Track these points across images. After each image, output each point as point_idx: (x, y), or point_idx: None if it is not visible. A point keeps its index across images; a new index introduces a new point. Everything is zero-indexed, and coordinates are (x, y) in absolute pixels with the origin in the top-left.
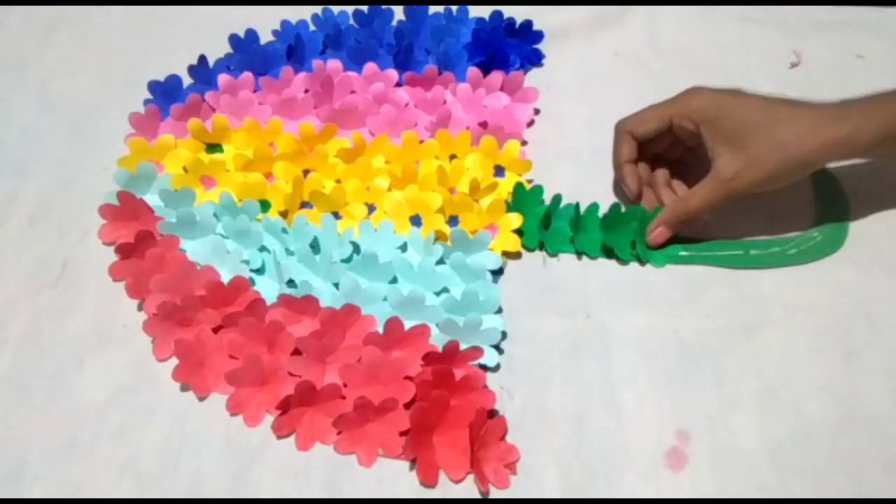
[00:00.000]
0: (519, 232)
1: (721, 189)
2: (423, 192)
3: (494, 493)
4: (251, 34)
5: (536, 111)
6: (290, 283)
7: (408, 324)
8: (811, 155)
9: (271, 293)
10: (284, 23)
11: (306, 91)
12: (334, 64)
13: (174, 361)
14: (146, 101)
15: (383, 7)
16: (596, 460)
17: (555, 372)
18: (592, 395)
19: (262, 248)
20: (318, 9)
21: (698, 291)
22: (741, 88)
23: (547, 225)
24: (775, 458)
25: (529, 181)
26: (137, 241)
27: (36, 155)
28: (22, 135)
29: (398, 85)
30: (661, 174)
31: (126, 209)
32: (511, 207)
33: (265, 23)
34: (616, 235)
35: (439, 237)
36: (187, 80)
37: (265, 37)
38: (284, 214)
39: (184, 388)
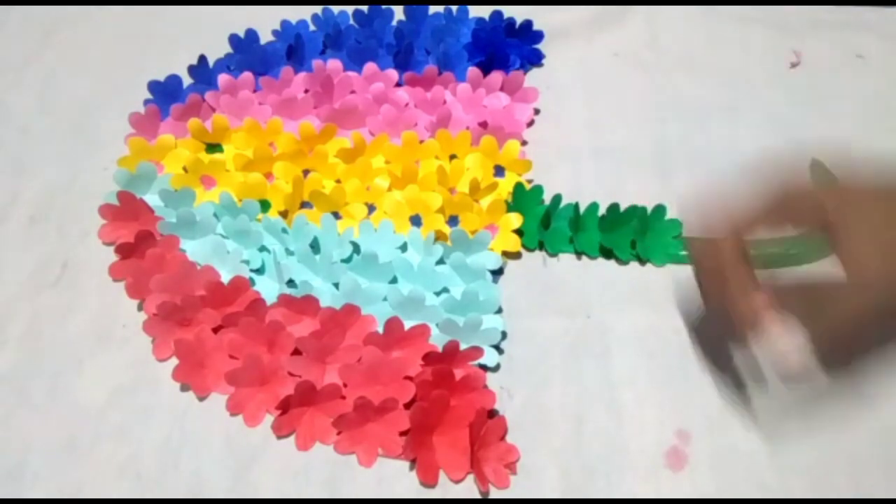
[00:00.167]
0: (519, 232)
1: (866, 297)
2: (423, 192)
3: (494, 493)
4: (251, 34)
5: (536, 111)
6: (290, 283)
7: (408, 324)
8: None
9: (271, 293)
10: (284, 23)
11: (306, 91)
12: (334, 64)
13: (174, 361)
14: (146, 101)
15: (383, 7)
16: (596, 460)
17: (555, 372)
18: (592, 395)
19: (262, 248)
20: (318, 9)
21: (698, 291)
22: (833, 175)
23: (547, 225)
24: (775, 458)
25: (529, 181)
26: (137, 241)
27: (36, 155)
28: (22, 135)
29: (398, 85)
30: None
31: (126, 209)
32: (511, 207)
33: (265, 23)
34: (615, 236)
35: (439, 237)
36: (187, 80)
37: (265, 37)
38: (284, 214)
39: (184, 388)
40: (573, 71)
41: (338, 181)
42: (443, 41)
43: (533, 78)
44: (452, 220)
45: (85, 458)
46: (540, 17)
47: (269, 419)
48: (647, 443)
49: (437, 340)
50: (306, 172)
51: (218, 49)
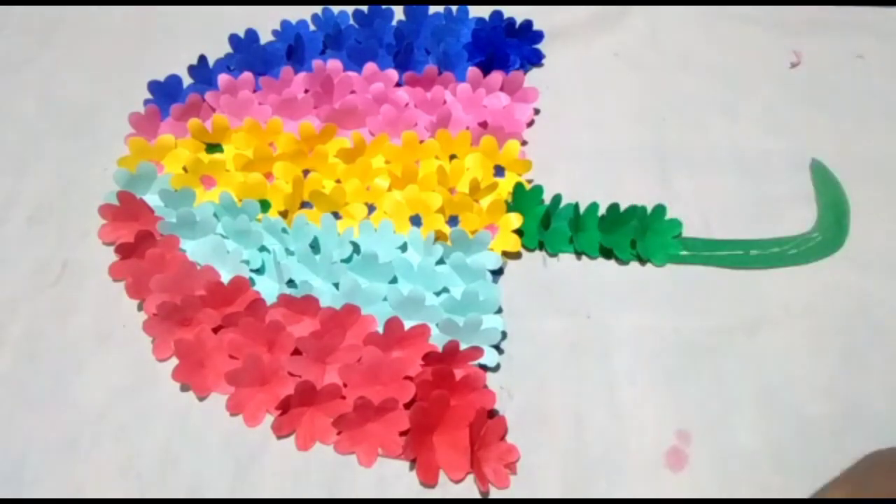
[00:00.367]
0: (519, 232)
1: None
2: (423, 192)
3: (494, 493)
4: (251, 34)
5: (536, 111)
6: (290, 283)
7: (408, 324)
8: None
9: (271, 293)
10: (284, 23)
11: (306, 91)
12: (334, 64)
13: (174, 361)
14: (146, 101)
15: (383, 7)
16: (596, 460)
17: (555, 372)
18: (592, 395)
19: (262, 248)
20: (318, 9)
21: (698, 291)
22: None
23: (547, 225)
24: (775, 458)
25: (529, 181)
26: (137, 241)
27: (36, 155)
28: (22, 135)
29: (398, 85)
30: None
31: (126, 209)
32: (511, 207)
33: (265, 23)
34: (615, 236)
35: (439, 237)
36: (187, 80)
37: (265, 37)
38: (284, 214)
39: (184, 388)
40: (573, 71)
41: (338, 181)
42: (443, 41)
43: (533, 78)
44: (452, 220)
45: (85, 457)
46: (540, 17)
47: (269, 419)
48: (647, 443)
49: (437, 340)
50: (306, 172)
51: (218, 49)
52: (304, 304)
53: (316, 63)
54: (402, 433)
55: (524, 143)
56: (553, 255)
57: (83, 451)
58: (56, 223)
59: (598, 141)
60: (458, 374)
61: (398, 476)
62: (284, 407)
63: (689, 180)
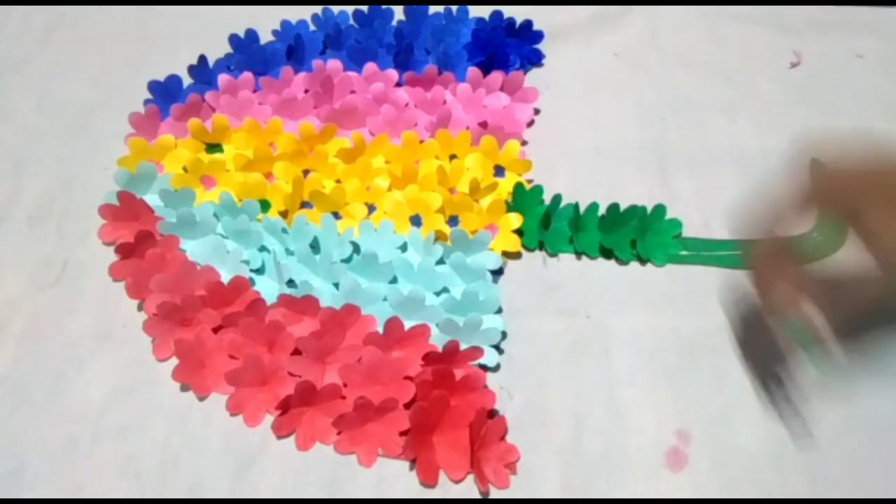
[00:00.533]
0: (519, 232)
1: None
2: (423, 192)
3: (494, 493)
4: (251, 34)
5: (536, 111)
6: (290, 283)
7: (408, 324)
8: None
9: (271, 293)
10: (284, 23)
11: (306, 91)
12: (334, 64)
13: (174, 361)
14: (146, 101)
15: (383, 7)
16: (596, 460)
17: (555, 372)
18: (592, 395)
19: (262, 248)
20: (318, 9)
21: (698, 291)
22: (861, 158)
23: (547, 225)
24: (775, 458)
25: (529, 181)
26: (137, 241)
27: (36, 155)
28: (22, 135)
29: (398, 85)
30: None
31: (126, 209)
32: (511, 207)
33: (265, 23)
34: (615, 236)
35: (439, 237)
36: (187, 80)
37: (265, 37)
38: (284, 214)
39: (184, 388)
40: (573, 71)
41: (338, 181)
42: (443, 41)
43: (533, 78)
44: (452, 220)
45: (85, 457)
46: (540, 17)
47: (269, 419)
48: (647, 443)
49: (437, 340)
50: (306, 172)
51: (218, 49)
52: (304, 304)
53: (316, 63)
54: (402, 433)
55: (524, 143)
56: (553, 255)
57: (83, 451)
58: (56, 223)
59: (598, 141)
60: (458, 374)
61: (398, 476)
62: (284, 407)
63: (689, 180)
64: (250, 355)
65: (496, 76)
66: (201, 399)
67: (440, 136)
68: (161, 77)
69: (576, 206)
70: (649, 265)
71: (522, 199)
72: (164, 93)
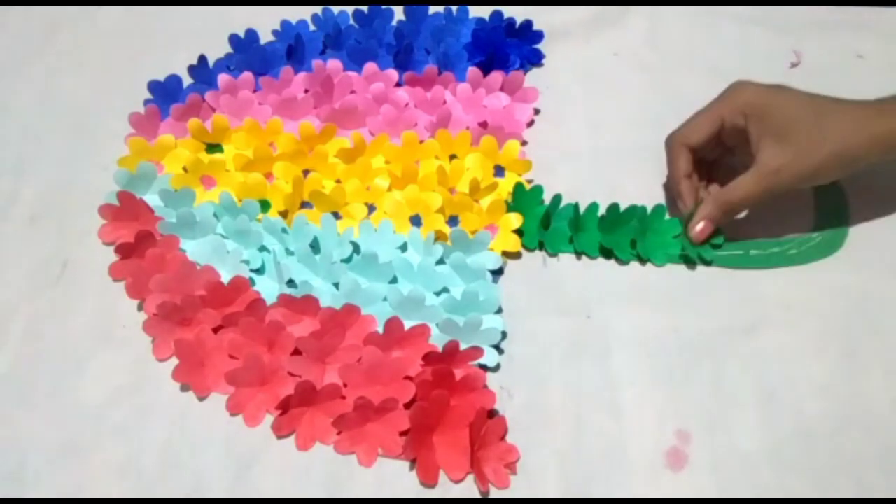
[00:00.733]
0: (519, 232)
1: (765, 181)
2: (423, 192)
3: (494, 493)
4: (251, 34)
5: (536, 111)
6: (290, 283)
7: (408, 324)
8: (857, 150)
9: (271, 293)
10: (284, 23)
11: (306, 91)
12: (334, 64)
13: (174, 361)
14: (146, 101)
15: (383, 7)
16: (596, 460)
17: (555, 372)
18: (592, 395)
19: (262, 248)
20: (318, 9)
21: (698, 291)
22: (784, 84)
23: (547, 225)
24: (775, 459)
25: (529, 181)
26: (137, 241)
27: (36, 154)
28: (22, 134)
29: (398, 85)
30: (705, 192)
31: (126, 209)
32: (511, 207)
33: (265, 23)
34: (615, 236)
35: (439, 237)
36: (187, 80)
37: (265, 37)
38: (284, 214)
39: (184, 388)
40: (573, 71)
41: (338, 181)
42: (443, 41)
43: (533, 78)
44: (452, 220)
45: (85, 458)
46: (540, 17)
47: (269, 419)
48: (647, 443)
49: (437, 340)
50: (306, 172)
51: (218, 49)
52: (304, 304)
53: (316, 63)
54: (402, 433)
55: (524, 143)
56: (553, 255)
57: (83, 451)
58: (56, 223)
59: (598, 141)
60: (458, 374)
61: (398, 476)
62: (284, 407)
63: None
64: (250, 355)
65: (496, 76)
66: (201, 399)
67: (440, 136)
68: (161, 77)
69: (576, 206)
70: (649, 265)
71: (522, 199)
72: (164, 93)
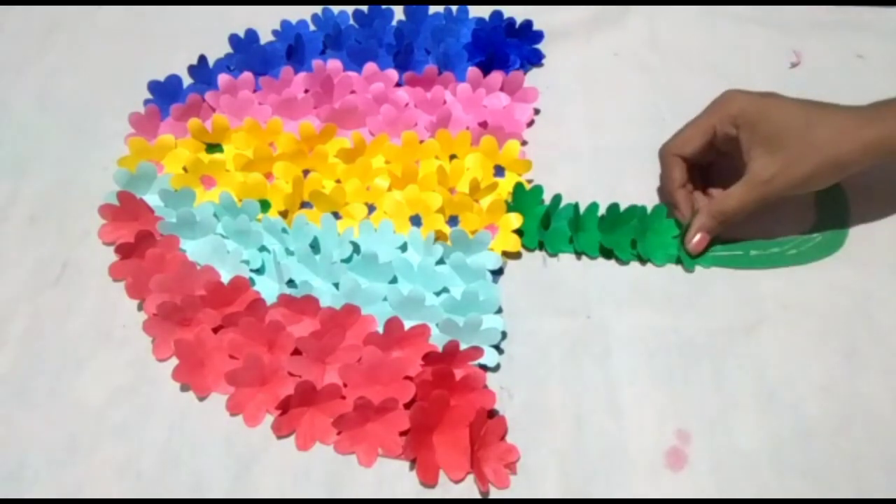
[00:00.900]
0: (519, 232)
1: (757, 191)
2: (423, 192)
3: (494, 493)
4: (251, 34)
5: (536, 111)
6: (290, 283)
7: (408, 324)
8: (847, 156)
9: (271, 293)
10: (284, 23)
11: (306, 91)
12: (334, 64)
13: (174, 361)
14: (146, 101)
15: (383, 7)
16: (596, 460)
17: (555, 372)
18: (592, 395)
19: (262, 248)
20: (318, 9)
21: (698, 291)
22: (774, 92)
23: (546, 225)
24: (775, 458)
25: (529, 181)
26: (137, 241)
27: (36, 155)
28: (22, 135)
29: (398, 85)
30: (699, 195)
31: (126, 209)
32: (511, 207)
33: (265, 23)
34: (615, 236)
35: (439, 237)
36: (187, 80)
37: (265, 37)
38: (284, 214)
39: (184, 388)
40: (573, 71)
41: (338, 181)
42: (443, 41)
43: (533, 78)
44: (452, 220)
45: (85, 457)
46: (540, 17)
47: (269, 419)
48: (647, 443)
49: (437, 340)
50: (306, 172)
51: (218, 49)
52: (304, 304)
53: (316, 63)
54: (402, 433)
55: (524, 143)
56: (553, 255)
57: (83, 451)
58: (56, 223)
59: (598, 141)
60: (458, 374)
61: (398, 476)
62: (284, 407)
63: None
64: (250, 355)
65: (496, 76)
66: (201, 399)
67: (440, 136)
68: (161, 77)
69: (576, 206)
70: (649, 265)
71: (522, 199)
72: (164, 93)
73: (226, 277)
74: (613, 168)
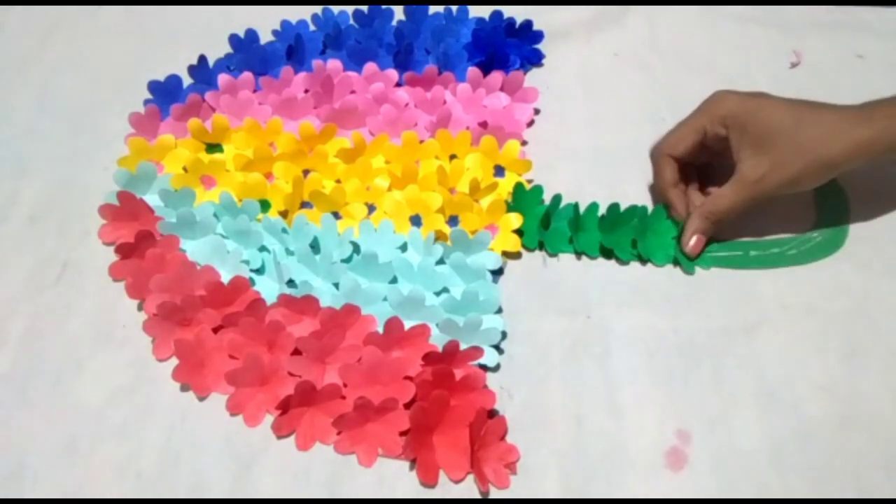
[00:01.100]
0: (519, 232)
1: (747, 191)
2: (423, 192)
3: (494, 493)
4: (251, 34)
5: (536, 111)
6: (290, 283)
7: (408, 324)
8: (836, 158)
9: (271, 293)
10: (284, 23)
11: (306, 91)
12: (334, 64)
13: (174, 361)
14: (146, 101)
15: (383, 7)
16: (596, 460)
17: (555, 372)
18: (592, 395)
19: (262, 248)
20: (318, 9)
21: (698, 292)
22: (765, 92)
23: (547, 225)
24: (775, 458)
25: (529, 181)
26: (137, 241)
27: (36, 155)
28: (22, 134)
29: (398, 85)
30: (696, 194)
31: (126, 209)
32: (511, 207)
33: (265, 23)
34: (615, 236)
35: (439, 237)
36: (187, 80)
37: (265, 37)
38: (284, 214)
39: (184, 388)
40: (573, 71)
41: (338, 181)
42: (443, 41)
43: (533, 78)
44: (452, 220)
45: (85, 457)
46: (540, 17)
47: (269, 419)
48: (647, 443)
49: (437, 340)
50: (306, 172)
51: (218, 49)
52: (304, 304)
53: (316, 63)
54: (402, 433)
55: (524, 143)
56: (553, 254)
57: (83, 451)
58: (56, 223)
59: (599, 141)
60: (458, 374)
61: (398, 476)
62: (284, 407)
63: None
64: (250, 355)
65: (496, 76)
66: (201, 399)
67: (440, 136)
68: (161, 77)
69: (576, 206)
70: (649, 265)
71: (522, 198)
72: (164, 93)
73: (226, 277)
74: (613, 168)
